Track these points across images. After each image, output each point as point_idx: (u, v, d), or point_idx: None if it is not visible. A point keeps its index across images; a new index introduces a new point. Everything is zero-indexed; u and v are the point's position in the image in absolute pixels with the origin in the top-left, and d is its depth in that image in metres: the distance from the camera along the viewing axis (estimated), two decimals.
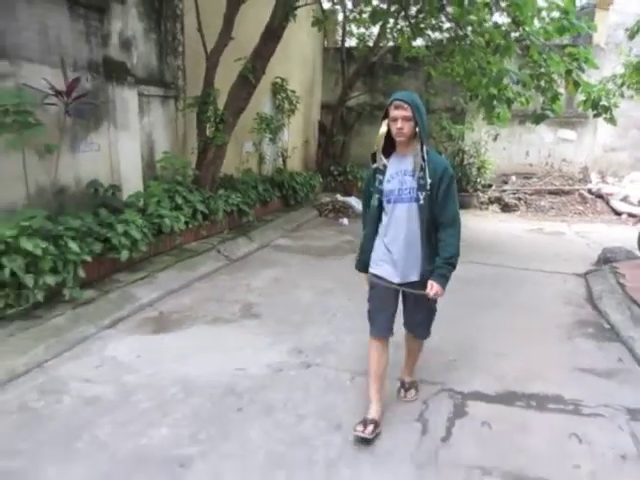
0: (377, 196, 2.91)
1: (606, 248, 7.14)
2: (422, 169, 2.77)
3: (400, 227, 2.87)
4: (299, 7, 7.12)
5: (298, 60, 11.02)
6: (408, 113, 2.70)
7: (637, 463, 2.80)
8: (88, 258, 4.45)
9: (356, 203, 9.92)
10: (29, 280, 3.88)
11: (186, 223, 6.08)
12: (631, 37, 7.06)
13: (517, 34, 7.31)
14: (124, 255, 4.92)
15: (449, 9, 8.16)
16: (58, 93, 4.51)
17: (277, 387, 3.44)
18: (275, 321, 4.57)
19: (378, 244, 2.98)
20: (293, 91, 10.01)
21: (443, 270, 2.81)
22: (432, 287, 2.79)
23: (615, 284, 5.71)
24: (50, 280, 4.04)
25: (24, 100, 4.16)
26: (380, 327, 3.01)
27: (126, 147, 5.80)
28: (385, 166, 2.87)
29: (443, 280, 2.82)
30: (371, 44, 11.86)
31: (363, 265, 3.09)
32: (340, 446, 2.84)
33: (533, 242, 8.64)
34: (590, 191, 11.83)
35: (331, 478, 2.59)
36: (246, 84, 6.94)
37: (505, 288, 5.91)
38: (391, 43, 11.40)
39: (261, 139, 9.09)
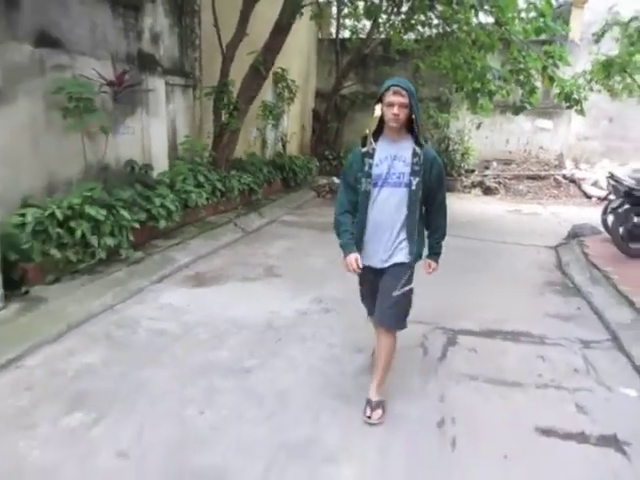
0: (368, 180, 2.88)
1: (575, 225, 8.10)
2: (417, 155, 2.82)
3: (386, 210, 2.89)
4: (305, 5, 7.88)
5: (296, 51, 11.72)
6: (405, 100, 2.72)
7: (585, 374, 3.71)
8: (136, 225, 5.23)
9: None
10: (94, 240, 4.66)
11: (207, 199, 6.86)
12: (596, 41, 7.97)
13: (499, 33, 8.13)
14: (162, 224, 5.71)
15: (438, 7, 8.93)
16: (110, 83, 5.24)
17: (306, 325, 4.29)
18: (295, 280, 5.40)
19: (364, 230, 2.98)
20: (293, 80, 10.74)
21: (437, 248, 3.09)
22: (430, 265, 3.09)
23: (580, 254, 6.66)
24: (110, 241, 4.82)
25: (87, 89, 4.89)
26: (370, 310, 3.24)
27: (156, 131, 6.55)
28: (374, 150, 2.87)
29: (438, 258, 3.11)
30: (364, 36, 12.62)
31: (350, 248, 2.95)
32: (362, 362, 3.69)
33: (512, 221, 9.61)
34: (564, 176, 12.84)
35: (358, 383, 3.43)
36: (257, 75, 7.71)
37: (487, 258, 6.83)
38: (383, 36, 12.16)
39: (265, 125, 9.85)
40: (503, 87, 8.78)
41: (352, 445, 2.76)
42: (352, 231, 2.96)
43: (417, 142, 2.84)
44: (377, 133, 2.90)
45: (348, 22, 13.14)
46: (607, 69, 8.08)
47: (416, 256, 2.98)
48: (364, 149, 2.91)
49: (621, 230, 6.37)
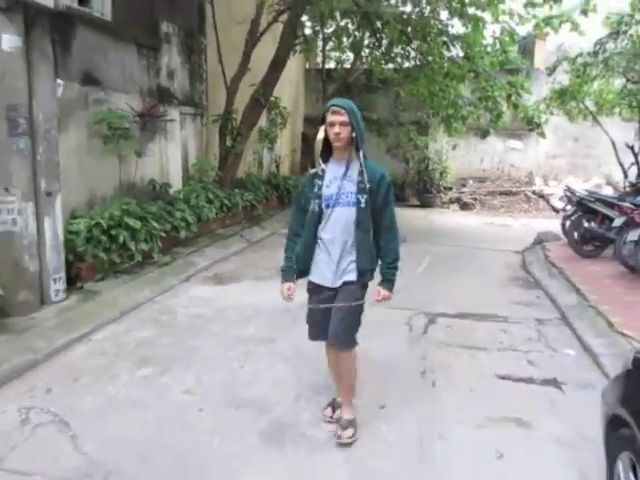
0: (317, 201, 2.87)
1: (540, 233, 9.19)
2: (361, 173, 2.82)
3: (337, 229, 2.87)
4: (297, 44, 8.97)
5: (286, 81, 12.79)
6: (345, 118, 2.72)
7: (537, 341, 4.68)
8: (163, 234, 6.14)
9: None
10: (133, 246, 5.56)
11: (216, 213, 7.79)
12: (549, 74, 9.17)
13: (468, 65, 9.29)
14: (182, 234, 6.63)
15: (415, 42, 10.08)
16: (140, 114, 6.20)
17: None
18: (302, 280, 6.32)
19: (316, 250, 2.96)
20: (285, 107, 11.78)
21: (388, 274, 2.94)
22: (379, 293, 2.95)
23: (542, 256, 7.72)
24: (144, 247, 5.72)
25: (124, 119, 5.84)
26: (313, 335, 3.15)
27: (172, 154, 7.50)
28: (324, 171, 2.89)
29: (390, 285, 2.95)
30: (348, 67, 13.77)
31: (299, 273, 3.03)
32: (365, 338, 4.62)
33: (486, 231, 10.69)
34: (534, 192, 14.03)
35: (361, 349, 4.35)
36: (257, 105, 8.73)
37: (462, 260, 7.84)
38: (365, 66, 13.31)
39: (262, 148, 10.85)
40: (474, 112, 9.93)
41: (358, 385, 3.69)
42: (294, 257, 2.99)
43: (364, 159, 2.84)
44: (328, 155, 2.92)
45: (333, 54, 14.26)
46: (561, 97, 9.28)
47: (368, 273, 2.96)
48: (313, 171, 2.96)
49: (575, 234, 7.44)
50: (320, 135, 2.88)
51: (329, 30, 12.60)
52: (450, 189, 14.33)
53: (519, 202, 13.77)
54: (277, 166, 12.06)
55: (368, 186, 2.81)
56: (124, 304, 4.90)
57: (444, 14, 9.62)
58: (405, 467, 2.83)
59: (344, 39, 11.69)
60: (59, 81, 4.70)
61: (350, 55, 13.78)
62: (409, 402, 3.53)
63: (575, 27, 8.03)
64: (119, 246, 5.47)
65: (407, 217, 12.18)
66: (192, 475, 2.70)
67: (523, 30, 10.79)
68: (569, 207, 7.94)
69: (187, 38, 8.01)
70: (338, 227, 2.88)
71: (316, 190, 2.89)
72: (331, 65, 14.57)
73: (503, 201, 13.82)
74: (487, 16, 8.76)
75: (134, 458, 2.79)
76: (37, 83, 4.32)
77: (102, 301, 4.88)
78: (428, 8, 9.48)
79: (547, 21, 8.92)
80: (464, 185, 14.68)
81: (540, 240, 8.84)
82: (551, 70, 9.12)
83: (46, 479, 2.61)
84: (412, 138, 13.86)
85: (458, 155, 14.57)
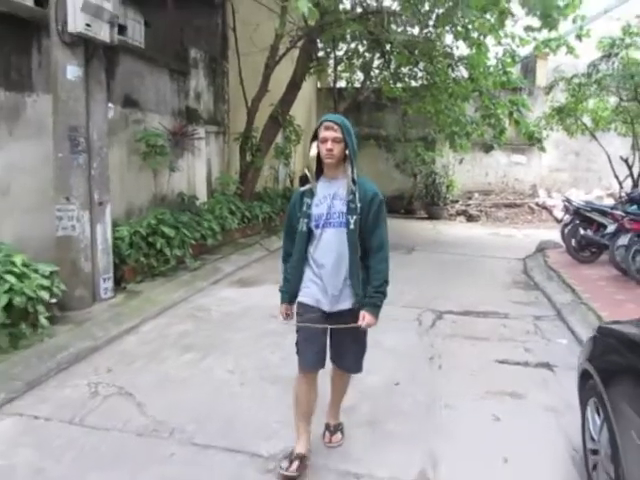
0: (305, 221, 2.74)
1: (541, 241, 9.73)
2: (352, 192, 2.69)
3: (329, 253, 2.73)
4: (312, 67, 9.65)
5: (300, 100, 13.46)
6: (338, 134, 2.62)
7: (534, 334, 5.21)
8: (193, 241, 6.76)
9: None
10: (168, 252, 6.18)
11: (238, 224, 8.41)
12: (547, 93, 9.79)
13: (472, 85, 9.92)
14: (209, 241, 7.24)
15: (421, 63, 10.74)
16: (173, 133, 6.85)
17: None
18: None
19: (307, 272, 2.82)
20: (299, 125, 12.46)
21: (374, 299, 2.73)
22: (364, 317, 2.70)
23: (542, 261, 8.26)
24: (178, 252, 6.34)
25: (160, 138, 6.50)
26: (310, 361, 2.87)
27: (198, 168, 8.16)
28: (315, 189, 2.76)
29: (376, 310, 2.74)
30: (358, 86, 14.45)
31: (290, 296, 2.89)
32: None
33: (490, 241, 11.23)
34: (537, 204, 14.57)
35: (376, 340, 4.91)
36: (275, 123, 9.40)
37: (467, 266, 8.39)
38: (375, 85, 13.98)
39: (278, 164, 11.50)
40: (477, 129, 10.54)
41: (375, 366, 4.23)
42: (289, 279, 2.88)
43: (353, 179, 2.70)
44: (318, 173, 2.78)
45: (344, 74, 14.96)
46: (559, 114, 9.88)
47: (360, 300, 2.77)
48: (303, 189, 2.81)
49: (572, 241, 7.98)
50: (313, 152, 2.71)
51: (340, 52, 13.34)
52: (457, 202, 14.89)
53: (523, 214, 14.30)
54: (291, 181, 12.70)
55: (359, 206, 2.68)
56: (163, 302, 5.50)
57: (449, 37, 10.33)
58: (417, 429, 3.38)
59: (355, 60, 12.37)
60: (110, 105, 5.35)
61: (360, 75, 14.48)
62: (419, 380, 4.08)
63: (570, 50, 8.66)
64: (156, 252, 6.09)
65: (415, 228, 12.78)
66: (240, 432, 3.26)
67: (526, 50, 11.44)
68: (567, 216, 8.49)
69: (212, 63, 8.71)
70: (330, 249, 2.73)
71: (305, 209, 2.75)
72: (342, 84, 15.25)
73: (508, 213, 14.36)
74: (490, 39, 9.44)
75: (191, 420, 3.35)
76: (93, 107, 4.97)
77: (144, 299, 5.48)
78: (434, 32, 10.14)
79: (546, 43, 9.57)
80: (470, 198, 15.24)
81: (541, 248, 9.38)
82: (548, 90, 9.75)
83: (122, 433, 3.19)
84: (419, 153, 14.46)
85: (464, 169, 15.15)
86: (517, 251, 9.74)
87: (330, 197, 2.72)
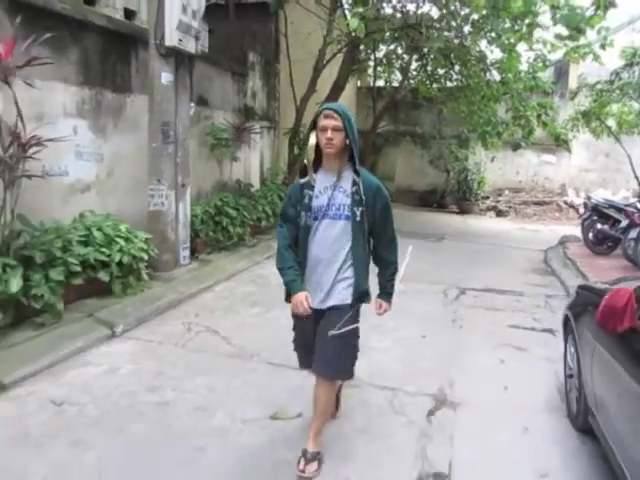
0: (308, 214, 2.64)
1: (563, 235, 10.49)
2: (356, 183, 2.59)
3: (325, 246, 2.63)
4: (357, 69, 10.59)
5: (342, 98, 14.43)
6: (339, 123, 2.51)
7: (543, 308, 6.09)
8: (251, 222, 7.82)
9: None
10: (231, 229, 7.26)
11: None
12: (572, 98, 10.51)
13: (503, 89, 10.71)
14: (264, 223, 8.30)
15: (457, 66, 11.56)
16: (237, 128, 7.92)
17: None
18: None
19: (306, 265, 2.71)
20: None
21: (389, 288, 2.76)
22: (381, 306, 2.76)
23: (562, 253, 9.06)
24: (239, 230, 7.41)
25: (226, 132, 7.57)
26: (306, 362, 2.86)
27: (253, 159, 9.22)
28: (314, 181, 2.65)
29: (389, 297, 2.78)
30: (396, 85, 15.31)
31: (299, 286, 2.65)
32: (408, 300, 6.14)
33: (517, 234, 12.01)
34: (565, 202, 15.20)
35: (407, 307, 5.87)
36: None
37: (492, 254, 9.24)
38: (412, 85, 14.82)
39: None
40: (508, 129, 11.32)
41: (404, 323, 5.19)
42: (296, 267, 2.68)
43: (355, 170, 2.61)
44: (318, 163, 2.69)
45: (383, 74, 15.83)
46: (584, 117, 10.59)
47: (362, 295, 2.70)
48: (302, 180, 2.71)
49: (590, 235, 8.75)
50: (311, 141, 2.62)
51: (380, 54, 14.22)
52: (487, 198, 15.64)
53: (551, 211, 14.97)
54: None
55: (364, 198, 2.57)
56: (230, 270, 6.58)
57: (483, 42, 11.12)
58: (438, 365, 4.33)
59: (394, 62, 13.26)
60: (191, 104, 6.43)
61: (398, 75, 15.33)
62: (442, 335, 5.04)
63: (596, 58, 9.36)
64: (222, 228, 7.19)
65: (446, 221, 13.64)
66: None
67: (558, 54, 12.13)
68: (586, 212, 9.25)
69: (266, 65, 9.76)
70: (326, 241, 2.63)
71: (306, 201, 2.64)
72: (381, 83, 16.13)
73: (536, 210, 15.05)
74: (522, 45, 10.20)
75: (266, 349, 4.39)
76: (180, 106, 6.05)
77: (214, 267, 6.58)
78: (469, 38, 10.95)
79: (575, 50, 10.28)
80: (500, 195, 15.96)
81: (563, 241, 10.15)
82: (573, 95, 10.46)
83: (215, 355, 4.25)
84: (453, 151, 15.27)
85: (495, 167, 15.87)
86: (540, 244, 10.51)
87: (331, 188, 2.62)
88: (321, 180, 2.66)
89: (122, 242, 5.14)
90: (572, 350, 3.49)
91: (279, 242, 2.78)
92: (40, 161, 4.46)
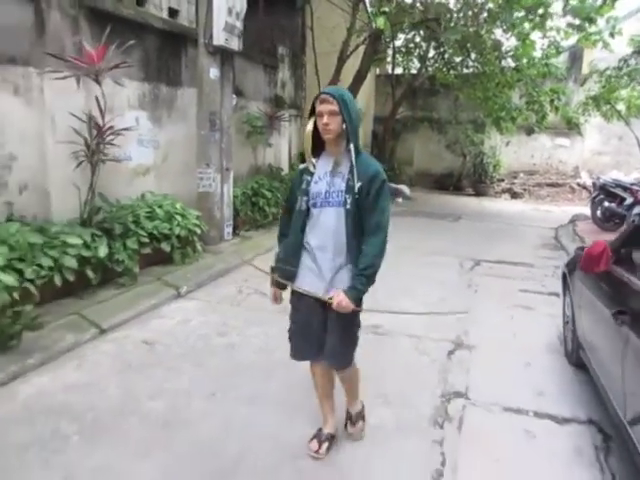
0: (305, 199, 2.58)
1: (574, 214, 11.10)
2: (350, 170, 2.50)
3: (327, 234, 2.56)
4: (378, 59, 11.23)
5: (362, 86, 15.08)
6: (334, 107, 2.41)
7: (551, 277, 6.77)
8: (284, 203, 8.56)
9: (405, 189, 13.97)
10: (267, 209, 8.02)
11: None
12: (582, 85, 11.05)
13: (517, 75, 11.28)
14: None
15: (473, 54, 12.14)
16: (270, 116, 8.65)
17: None
18: None
19: (303, 257, 2.65)
20: (360, 109, 14.06)
21: (355, 282, 2.49)
22: (338, 295, 2.47)
23: (571, 230, 9.69)
24: (274, 210, 8.16)
25: (260, 120, 8.30)
26: (302, 353, 2.82)
27: (282, 145, 9.95)
28: (314, 166, 2.60)
29: (354, 293, 2.48)
30: (414, 72, 15.88)
31: (290, 274, 2.68)
32: (427, 269, 6.86)
33: (530, 215, 12.63)
34: (578, 184, 15.72)
35: (429, 275, 6.58)
36: None
37: (506, 232, 9.91)
38: (430, 73, 15.39)
39: None
40: (522, 114, 11.91)
41: (427, 289, 5.90)
42: (288, 259, 2.69)
43: (356, 153, 2.50)
44: (321, 149, 2.62)
45: (401, 61, 16.40)
46: (595, 101, 11.13)
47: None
48: (302, 166, 2.69)
49: (598, 212, 9.37)
50: (309, 127, 2.56)
51: (399, 42, 14.79)
52: (502, 180, 16.22)
53: (564, 193, 15.51)
54: None
55: (358, 185, 2.48)
56: (267, 245, 7.33)
57: (498, 30, 11.67)
58: (455, 319, 5.05)
59: (412, 50, 13.85)
60: (234, 96, 7.16)
61: (417, 63, 15.89)
62: (459, 297, 5.77)
63: (605, 45, 9.90)
64: (258, 208, 7.95)
65: (463, 202, 14.29)
66: None
67: (572, 40, 12.64)
68: (595, 192, 9.86)
69: (294, 57, 10.44)
70: (328, 231, 2.56)
71: (304, 186, 2.60)
72: (399, 71, 16.70)
73: (549, 192, 15.60)
74: (536, 33, 10.76)
75: None
76: (224, 98, 6.78)
77: (254, 242, 7.37)
78: (485, 27, 11.51)
79: (586, 37, 10.81)
80: (515, 177, 16.51)
81: (573, 220, 10.77)
82: (583, 81, 11.00)
83: (267, 312, 5.00)
84: (469, 135, 15.85)
85: (510, 151, 16.42)
86: (552, 223, 11.14)
87: (330, 174, 2.55)
88: (321, 165, 2.60)
89: (179, 218, 5.93)
90: (568, 300, 4.20)
91: (280, 229, 2.87)
92: (113, 147, 5.23)
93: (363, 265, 2.48)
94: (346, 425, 3.02)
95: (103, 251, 4.71)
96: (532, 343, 4.54)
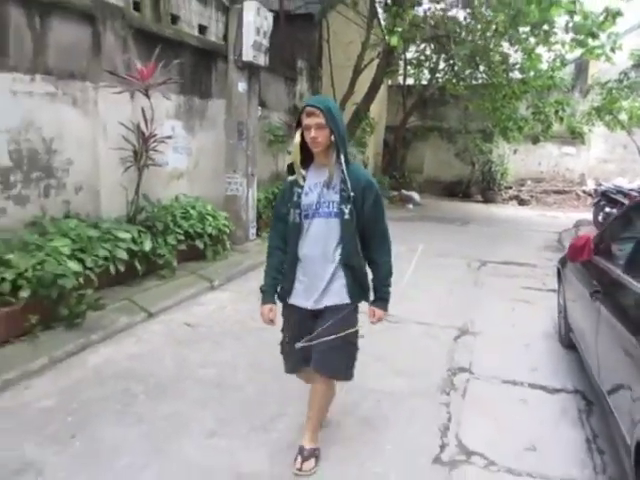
0: (297, 211, 2.56)
1: (577, 220, 11.60)
2: (343, 180, 2.50)
3: (317, 244, 2.56)
4: (390, 71, 11.84)
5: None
6: (320, 120, 2.39)
7: (553, 276, 7.21)
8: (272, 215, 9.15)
9: (415, 195, 14.54)
10: None
11: None
12: (584, 96, 11.59)
13: (524, 87, 11.83)
14: None
15: (481, 67, 12.71)
16: (289, 125, 9.26)
17: None
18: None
19: (298, 264, 2.64)
20: (373, 118, 14.67)
21: (383, 294, 2.64)
22: (374, 314, 2.65)
23: (574, 233, 10.19)
24: None
25: (281, 130, 8.92)
26: (295, 366, 2.82)
27: None
28: (304, 178, 2.58)
29: (385, 304, 2.66)
30: (425, 83, 16.47)
31: (275, 296, 2.74)
32: (436, 269, 7.41)
33: (536, 220, 13.15)
34: (584, 191, 16.20)
35: (438, 275, 7.13)
36: (358, 117, 11.66)
37: (512, 236, 10.44)
38: (440, 84, 15.96)
39: (355, 151, 13.78)
40: (528, 124, 12.45)
41: (436, 285, 6.45)
42: (275, 275, 2.73)
43: (346, 164, 2.52)
44: (309, 160, 2.60)
45: (412, 72, 16.99)
46: (597, 112, 11.66)
47: (359, 295, 2.67)
48: (292, 177, 2.66)
49: (600, 217, 9.87)
50: (296, 139, 2.53)
51: (410, 54, 15.38)
52: (510, 188, 16.75)
53: (570, 200, 16.00)
54: (365, 165, 14.95)
55: (352, 195, 2.49)
56: None
57: (505, 44, 12.23)
58: (463, 310, 5.60)
59: (423, 62, 14.45)
60: (258, 107, 7.78)
61: (427, 74, 16.48)
62: (465, 292, 6.32)
63: (608, 59, 10.42)
64: None
65: (471, 208, 14.83)
66: None
67: (577, 52, 13.19)
68: (597, 198, 10.37)
69: (311, 70, 11.07)
70: (319, 241, 2.56)
71: (295, 199, 2.58)
72: (410, 82, 17.30)
73: (556, 198, 16.09)
74: (541, 47, 11.31)
75: None
76: (251, 109, 7.40)
77: None
78: (492, 42, 12.09)
79: (590, 51, 11.35)
80: (522, 185, 17.03)
81: (577, 224, 11.26)
82: (585, 92, 11.56)
83: None
84: (478, 144, 16.40)
85: (518, 159, 16.95)
86: (557, 228, 11.64)
87: (321, 185, 2.55)
88: (311, 177, 2.60)
89: (210, 218, 6.54)
90: (562, 290, 4.74)
91: (269, 242, 2.81)
92: (156, 153, 5.85)
93: (384, 275, 2.65)
94: (295, 460, 2.73)
95: (148, 245, 5.32)
96: (530, 331, 5.08)
